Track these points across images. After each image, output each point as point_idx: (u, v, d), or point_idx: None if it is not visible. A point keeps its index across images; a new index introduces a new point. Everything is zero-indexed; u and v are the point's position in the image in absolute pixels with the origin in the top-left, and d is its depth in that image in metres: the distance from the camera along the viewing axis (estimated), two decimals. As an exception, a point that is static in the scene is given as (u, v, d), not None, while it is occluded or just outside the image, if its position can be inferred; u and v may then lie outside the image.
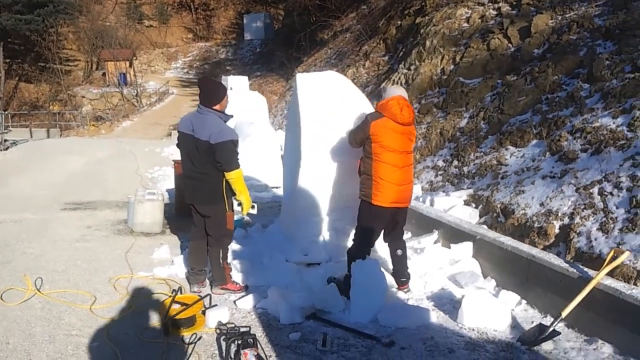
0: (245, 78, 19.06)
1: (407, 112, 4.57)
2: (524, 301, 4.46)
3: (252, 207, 4.61)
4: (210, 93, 4.53)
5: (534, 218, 5.61)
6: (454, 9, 10.73)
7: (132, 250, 5.91)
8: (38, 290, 4.62)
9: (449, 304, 4.45)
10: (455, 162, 7.86)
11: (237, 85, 17.78)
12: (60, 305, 4.35)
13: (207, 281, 4.81)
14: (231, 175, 4.43)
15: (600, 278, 3.78)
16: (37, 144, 19.00)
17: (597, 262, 4.49)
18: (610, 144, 5.58)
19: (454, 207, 6.55)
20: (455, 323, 4.11)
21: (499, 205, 6.22)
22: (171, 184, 10.39)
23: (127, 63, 45.21)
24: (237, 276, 4.90)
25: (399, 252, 4.83)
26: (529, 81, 7.63)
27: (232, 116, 4.69)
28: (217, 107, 4.51)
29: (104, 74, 45.86)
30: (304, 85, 5.40)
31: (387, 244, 4.93)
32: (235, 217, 6.51)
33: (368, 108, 5.46)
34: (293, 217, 5.48)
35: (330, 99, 5.31)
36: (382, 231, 4.90)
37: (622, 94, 6.05)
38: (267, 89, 29.44)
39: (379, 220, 4.71)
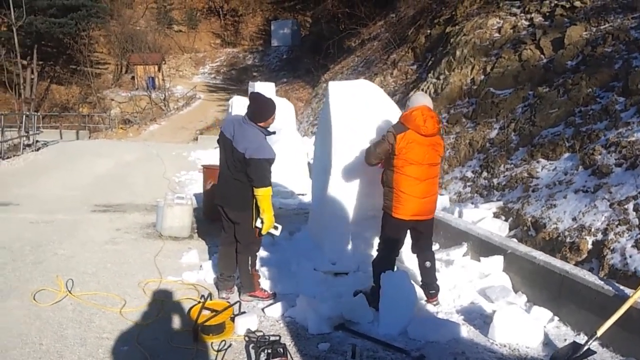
0: (272, 84, 19.15)
1: (431, 123, 4.50)
2: (556, 318, 4.37)
3: (275, 227, 4.58)
4: (258, 110, 4.51)
5: (566, 233, 5.50)
6: (485, 19, 10.65)
7: (160, 254, 5.97)
8: (69, 292, 4.69)
9: (480, 319, 4.39)
10: (485, 174, 7.77)
11: (263, 92, 17.95)
12: (91, 308, 4.41)
13: (236, 287, 4.82)
14: (259, 192, 4.42)
15: (638, 297, 3.69)
16: (66, 146, 19.37)
17: (632, 279, 4.39)
18: (646, 159, 5.46)
19: (484, 219, 6.47)
20: (486, 338, 4.04)
21: (529, 219, 6.11)
22: (199, 189, 10.49)
23: (156, 67, 45.90)
24: (265, 283, 4.91)
25: (428, 264, 4.77)
26: (562, 93, 7.51)
27: (274, 133, 4.68)
28: (262, 124, 4.50)
29: (132, 78, 46.63)
30: (335, 94, 5.41)
31: (415, 255, 4.90)
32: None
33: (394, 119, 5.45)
34: (321, 225, 5.48)
35: (362, 108, 5.31)
36: (411, 242, 4.87)
37: (659, 108, 5.92)
38: (293, 96, 29.55)
39: (400, 232, 4.68)
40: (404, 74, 13.44)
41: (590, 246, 5.18)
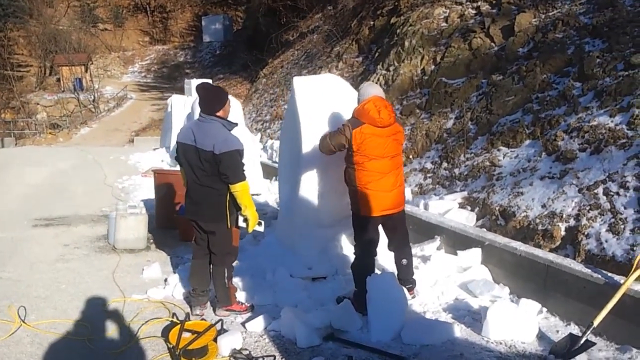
0: (209, 81, 18.64)
1: (386, 114, 4.31)
2: (544, 309, 4.30)
3: (259, 223, 4.29)
4: (212, 99, 4.22)
5: (537, 220, 5.48)
6: (431, 9, 10.63)
7: (119, 270, 5.51)
8: (23, 321, 4.19)
9: (468, 316, 4.27)
10: (445, 164, 7.72)
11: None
12: (51, 338, 3.94)
13: (209, 303, 4.49)
14: (236, 188, 4.12)
15: (630, 283, 3.66)
16: (-8, 155, 18.05)
17: (610, 264, 4.40)
18: (610, 143, 5.50)
19: (450, 210, 6.39)
20: (480, 337, 3.92)
21: (497, 208, 6.08)
22: (145, 194, 9.96)
23: (83, 68, 43.83)
24: (240, 295, 4.60)
25: (404, 261, 4.62)
26: (517, 80, 7.56)
27: (237, 124, 4.39)
28: (220, 113, 4.21)
29: (58, 80, 44.32)
30: (301, 89, 5.15)
31: (392, 252, 4.72)
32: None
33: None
34: (293, 228, 5.21)
35: (330, 103, 5.07)
36: (387, 239, 4.69)
37: (617, 92, 6.00)
38: (231, 92, 28.80)
39: (372, 231, 4.48)
40: (350, 67, 13.30)
41: (563, 232, 5.18)
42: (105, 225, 7.48)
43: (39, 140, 30.29)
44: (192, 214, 4.32)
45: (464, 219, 6.21)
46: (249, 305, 4.47)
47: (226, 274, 4.32)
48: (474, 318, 4.21)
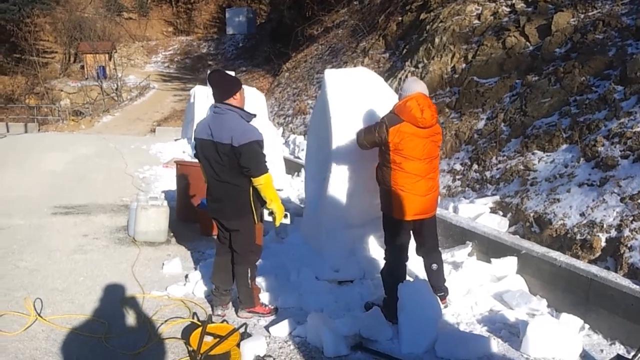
0: (232, 73, 18.47)
1: (429, 114, 4.06)
2: (586, 325, 4.05)
3: (285, 216, 4.08)
4: (224, 86, 4.00)
5: (575, 229, 5.20)
6: (463, 5, 10.32)
7: (138, 264, 5.36)
8: (39, 315, 4.05)
9: (505, 329, 4.03)
10: (475, 166, 7.44)
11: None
12: (67, 334, 3.79)
13: (231, 303, 4.30)
14: (259, 181, 3.89)
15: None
16: (15, 139, 18.14)
17: (656, 280, 4.13)
18: (656, 151, 5.22)
19: (482, 215, 6.14)
20: (519, 353, 3.68)
21: (531, 214, 5.80)
22: (166, 186, 9.84)
23: (107, 56, 44.01)
24: (263, 296, 4.41)
25: (434, 266, 4.40)
26: (554, 82, 7.24)
27: (255, 115, 4.11)
28: (234, 102, 3.97)
29: (82, 67, 44.60)
30: (333, 83, 4.92)
31: (421, 257, 4.50)
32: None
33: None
34: (319, 227, 5.00)
35: (363, 97, 4.84)
36: (416, 244, 4.47)
37: (663, 97, 5.69)
38: (253, 85, 28.78)
39: (404, 234, 4.26)
40: (376, 63, 13.03)
41: (603, 243, 4.89)
42: (125, 215, 7.36)
43: (61, 127, 30.50)
44: (215, 212, 4.13)
45: (496, 225, 5.96)
46: (272, 307, 4.28)
47: (249, 274, 4.13)
48: (511, 332, 3.98)
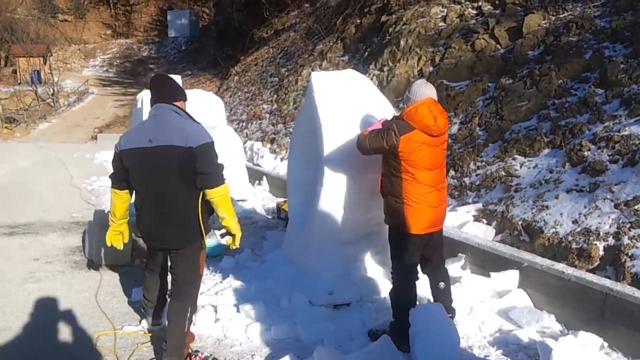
0: (178, 77, 17.70)
1: (442, 121, 3.75)
2: (605, 343, 3.80)
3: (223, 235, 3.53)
4: (170, 87, 3.48)
5: (570, 238, 5.00)
6: (427, 7, 10.15)
7: (102, 292, 4.74)
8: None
9: (520, 351, 3.73)
10: (452, 172, 7.19)
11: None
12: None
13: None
14: (219, 192, 3.27)
15: None
16: (-57, 150, 16.72)
17: (663, 290, 3.94)
18: (646, 156, 5.09)
19: (466, 223, 5.89)
20: (545, 380, 3.37)
21: (519, 222, 5.58)
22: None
23: (41, 59, 41.85)
24: (254, 327, 3.92)
25: (442, 284, 4.07)
26: (530, 85, 7.10)
27: (198, 123, 3.47)
28: (180, 103, 3.45)
29: (14, 71, 42.21)
30: (321, 87, 4.50)
31: (426, 275, 4.16)
32: (212, 244, 5.32)
33: (390, 114, 4.67)
34: (308, 245, 4.56)
35: (354, 103, 4.46)
36: (421, 261, 4.13)
37: (648, 100, 5.60)
38: (200, 89, 27.96)
39: (417, 251, 3.92)
40: (335, 66, 12.70)
41: (601, 252, 4.71)
42: (77, 234, 6.69)
43: (-7, 135, 28.55)
44: (157, 240, 3.48)
45: (482, 234, 5.71)
46: (203, 357, 3.54)
47: (189, 314, 3.40)
48: (528, 354, 3.69)
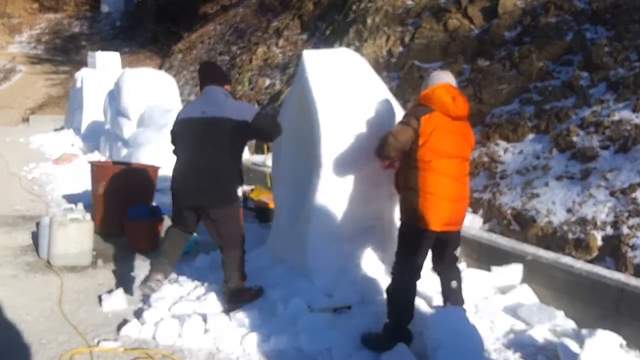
0: (117, 54, 16.64)
1: (462, 102, 3.58)
2: (623, 342, 3.62)
3: None
4: (219, 73, 4.27)
5: (565, 227, 4.83)
6: (392, -16, 9.79)
7: (66, 300, 4.14)
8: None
9: (539, 353, 3.50)
10: (431, 158, 6.94)
11: (107, 62, 15.45)
12: None
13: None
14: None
15: None
16: None
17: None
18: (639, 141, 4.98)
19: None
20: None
21: (508, 211, 5.39)
22: (64, 187, 8.38)
23: (-39, 34, 38.69)
24: (249, 337, 3.49)
25: (454, 283, 3.83)
26: (509, 67, 6.92)
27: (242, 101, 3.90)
28: (227, 88, 4.19)
29: None
30: (315, 68, 4.06)
31: (437, 273, 3.89)
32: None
33: (390, 98, 4.32)
34: (301, 242, 4.12)
35: (350, 84, 4.07)
36: (432, 258, 3.85)
37: (636, 84, 5.50)
38: (139, 67, 26.58)
39: (427, 248, 3.64)
40: (293, 44, 12.19)
41: (600, 242, 4.56)
42: (25, 230, 6.00)
43: None
44: (195, 200, 3.84)
45: (468, 222, 5.48)
46: (257, 288, 4.04)
47: (241, 260, 4.00)
48: (547, 356, 3.46)
